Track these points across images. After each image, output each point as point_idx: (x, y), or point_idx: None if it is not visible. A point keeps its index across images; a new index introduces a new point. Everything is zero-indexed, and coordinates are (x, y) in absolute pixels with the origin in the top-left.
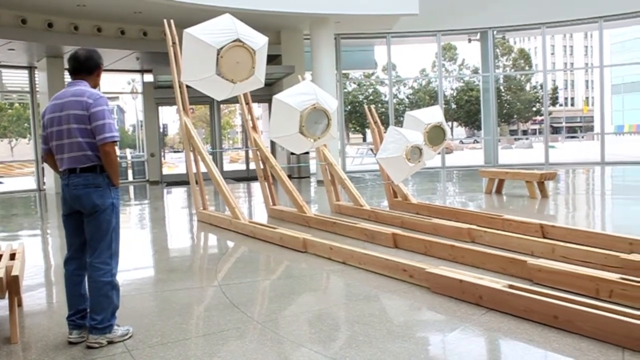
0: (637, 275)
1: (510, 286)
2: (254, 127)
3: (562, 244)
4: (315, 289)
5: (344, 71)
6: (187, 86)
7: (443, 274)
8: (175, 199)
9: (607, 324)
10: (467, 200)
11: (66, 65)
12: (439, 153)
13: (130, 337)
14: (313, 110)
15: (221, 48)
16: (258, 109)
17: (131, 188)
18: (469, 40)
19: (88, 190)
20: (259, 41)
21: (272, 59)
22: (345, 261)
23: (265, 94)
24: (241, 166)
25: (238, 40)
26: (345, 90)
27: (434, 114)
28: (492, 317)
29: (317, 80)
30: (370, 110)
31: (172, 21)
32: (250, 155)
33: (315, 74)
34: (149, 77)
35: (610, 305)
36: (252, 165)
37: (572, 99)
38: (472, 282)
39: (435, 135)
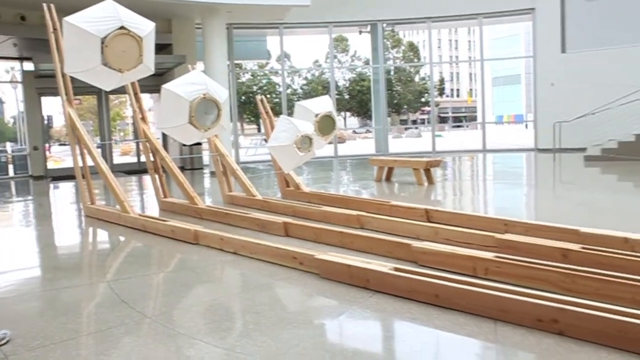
0: (510, 253)
1: (396, 269)
2: (143, 118)
3: (445, 227)
4: (207, 280)
5: (237, 61)
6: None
7: (332, 260)
8: (61, 194)
9: (481, 299)
10: (358, 188)
11: None
12: (330, 142)
13: (7, 342)
14: (203, 100)
15: (105, 37)
16: (149, 99)
17: (12, 184)
18: (360, 32)
19: None
20: (146, 27)
21: (163, 48)
22: (236, 251)
23: (156, 84)
24: (132, 159)
25: (122, 27)
26: (240, 80)
27: (323, 104)
28: (379, 299)
29: (209, 70)
30: (261, 101)
31: (52, 6)
32: (141, 147)
33: (207, 64)
34: (29, 66)
35: (486, 282)
36: (144, 158)
37: (458, 90)
38: (359, 267)
39: (326, 125)
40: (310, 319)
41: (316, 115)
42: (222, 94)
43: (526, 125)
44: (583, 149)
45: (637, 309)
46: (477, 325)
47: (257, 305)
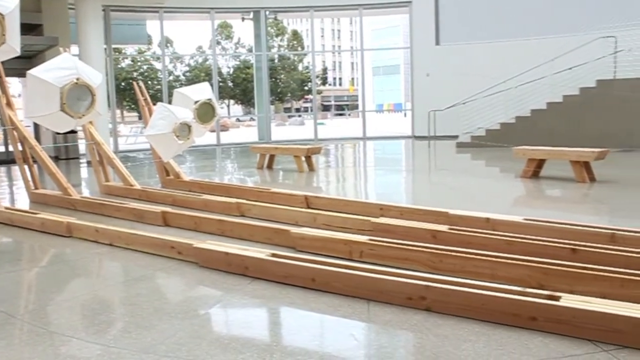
0: (384, 236)
1: (273, 255)
2: (9, 104)
3: (323, 212)
4: (81, 274)
5: (115, 46)
6: None
7: (210, 248)
8: None
9: (355, 281)
10: (239, 175)
11: None
12: (213, 131)
13: None
14: (75, 86)
15: None
16: (18, 83)
17: None
18: (242, 19)
19: None
20: (9, 4)
21: (33, 29)
22: (112, 243)
23: (25, 67)
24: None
25: None
26: (119, 66)
27: (203, 91)
28: (258, 286)
29: (84, 54)
30: (139, 87)
31: None
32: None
33: (81, 47)
34: None
35: (360, 265)
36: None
37: (340, 79)
38: (237, 254)
39: (205, 112)
40: (188, 309)
41: (195, 102)
42: (95, 78)
43: (405, 114)
44: (455, 136)
45: (495, 283)
46: (351, 306)
47: (134, 297)
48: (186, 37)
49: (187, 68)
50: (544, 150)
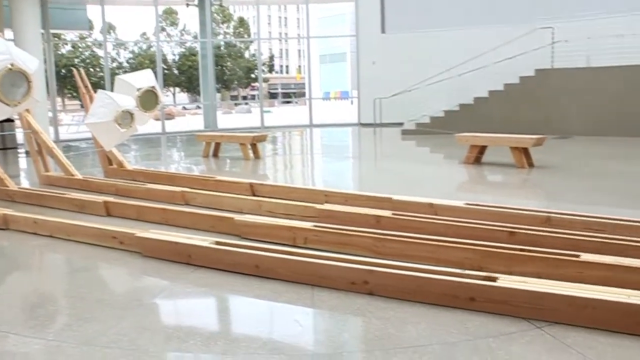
0: (329, 222)
1: (217, 242)
2: None
3: (268, 200)
4: (19, 267)
5: (55, 31)
6: None
7: (152, 237)
8: None
9: (299, 267)
10: (185, 164)
11: None
12: (157, 119)
13: None
14: (9, 72)
15: None
16: None
17: None
18: (187, 5)
19: None
20: None
21: None
22: (52, 234)
23: None
24: None
25: None
26: (60, 52)
27: (146, 78)
28: (202, 274)
29: (19, 39)
30: (79, 74)
31: None
32: None
33: (16, 32)
34: None
35: (305, 251)
36: None
37: (287, 67)
38: (180, 243)
39: (148, 100)
40: (131, 299)
41: (138, 89)
42: (31, 64)
43: (352, 102)
44: (401, 124)
45: (436, 266)
46: (295, 292)
47: (75, 289)
48: (130, 23)
49: (130, 55)
50: (486, 137)
